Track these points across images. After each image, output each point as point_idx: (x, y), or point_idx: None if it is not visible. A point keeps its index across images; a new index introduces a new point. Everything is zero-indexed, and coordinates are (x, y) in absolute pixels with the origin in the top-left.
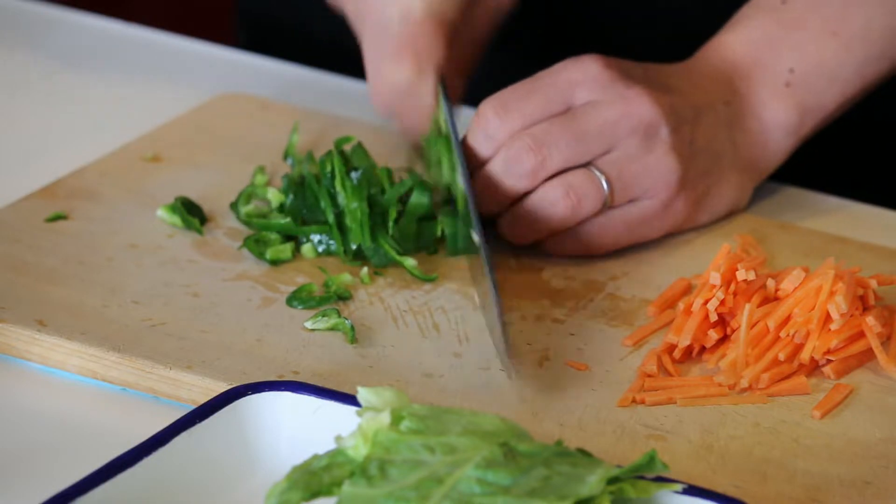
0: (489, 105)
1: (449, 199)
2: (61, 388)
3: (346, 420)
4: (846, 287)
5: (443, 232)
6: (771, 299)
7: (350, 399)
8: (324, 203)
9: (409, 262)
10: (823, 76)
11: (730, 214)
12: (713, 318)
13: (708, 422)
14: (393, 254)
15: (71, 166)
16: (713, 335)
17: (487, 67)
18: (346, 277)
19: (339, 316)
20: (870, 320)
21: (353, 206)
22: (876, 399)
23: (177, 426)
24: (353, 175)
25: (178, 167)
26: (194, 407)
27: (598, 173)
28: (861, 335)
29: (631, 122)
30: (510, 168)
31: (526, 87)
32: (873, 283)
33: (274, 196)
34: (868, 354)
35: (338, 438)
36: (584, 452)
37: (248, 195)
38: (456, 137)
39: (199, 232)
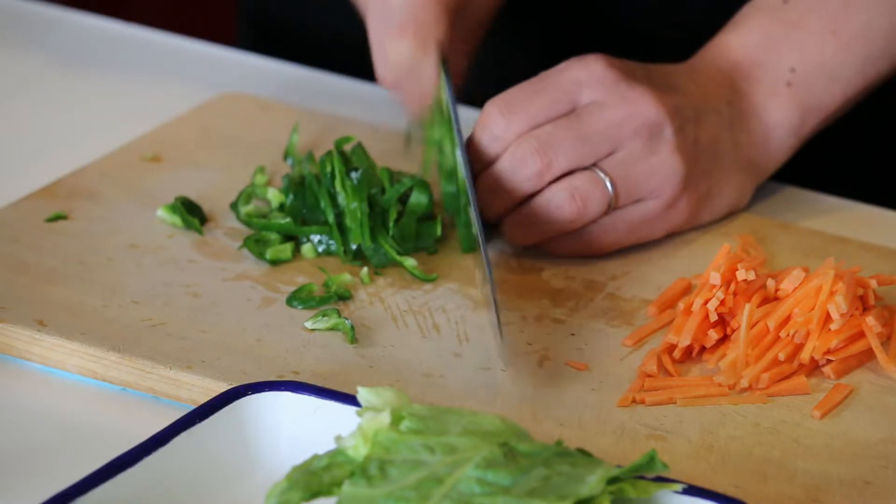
0: (495, 105)
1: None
2: (61, 388)
3: (346, 420)
4: (846, 287)
5: (443, 232)
6: (771, 299)
7: (350, 399)
8: (324, 203)
9: (409, 262)
10: (824, 76)
11: (730, 214)
12: (713, 318)
13: (708, 422)
14: (393, 254)
15: (71, 166)
16: (713, 335)
17: (492, 59)
18: (346, 277)
19: (339, 316)
20: (870, 320)
21: (353, 206)
22: (876, 399)
23: (177, 426)
24: (353, 175)
25: (178, 167)
26: (194, 407)
27: (602, 175)
28: (861, 335)
29: (635, 123)
30: (516, 170)
31: (531, 87)
32: (873, 283)
33: (274, 196)
34: (868, 354)
35: (338, 438)
36: (584, 452)
37: (248, 195)
38: (457, 120)
39: (199, 232)
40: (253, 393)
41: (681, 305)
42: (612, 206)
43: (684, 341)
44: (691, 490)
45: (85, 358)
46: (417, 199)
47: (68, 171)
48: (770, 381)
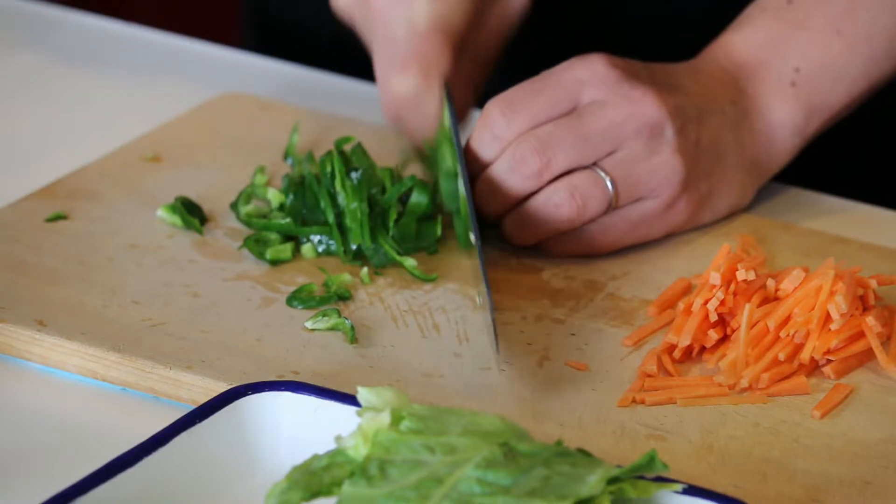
0: (495, 105)
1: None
2: (61, 388)
3: (346, 420)
4: (846, 287)
5: (443, 232)
6: (771, 299)
7: (350, 399)
8: (324, 203)
9: (409, 262)
10: (829, 76)
11: (731, 214)
12: (713, 318)
13: (708, 422)
14: (393, 254)
15: (71, 166)
16: (713, 335)
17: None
18: (346, 277)
19: (339, 316)
20: (870, 320)
21: (353, 206)
22: (876, 399)
23: (177, 426)
24: (353, 175)
25: (178, 167)
26: (194, 407)
27: (602, 174)
28: (861, 335)
29: (636, 123)
30: (515, 169)
31: (532, 86)
32: (873, 283)
33: (274, 196)
34: (868, 354)
35: (338, 438)
36: (584, 452)
37: (248, 195)
38: (459, 147)
39: (199, 232)
40: (253, 393)
41: (681, 305)
42: (612, 206)
43: (684, 341)
44: (691, 490)
45: (85, 358)
46: (417, 199)
47: (68, 171)
48: (770, 381)
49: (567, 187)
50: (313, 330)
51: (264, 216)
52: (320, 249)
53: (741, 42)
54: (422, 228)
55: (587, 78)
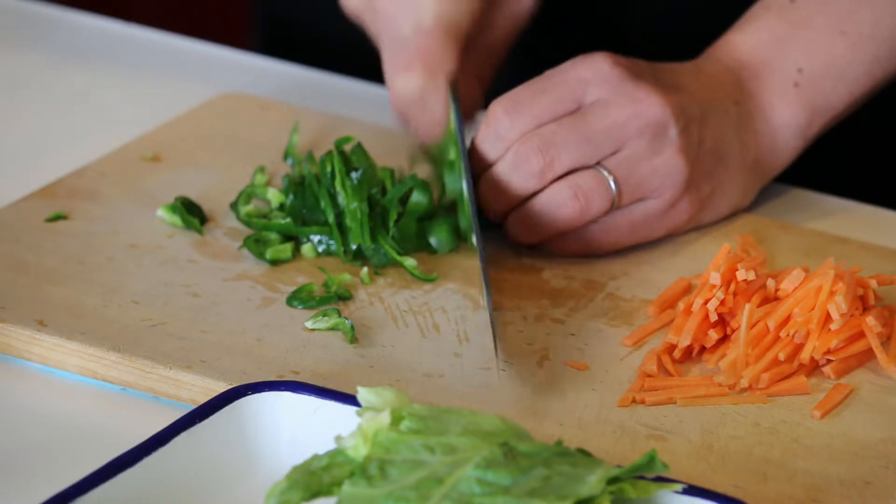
0: (500, 105)
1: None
2: (61, 388)
3: (346, 420)
4: (846, 287)
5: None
6: (771, 299)
7: (350, 399)
8: (324, 203)
9: (409, 262)
10: (832, 76)
11: (732, 214)
12: (713, 318)
13: (708, 422)
14: (393, 254)
15: (71, 166)
16: (713, 335)
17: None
18: (346, 277)
19: (340, 316)
20: (870, 320)
21: (353, 206)
22: (876, 399)
23: (177, 426)
24: (353, 175)
25: (178, 167)
26: (194, 407)
27: (605, 174)
28: (861, 335)
29: (639, 123)
30: (518, 168)
31: (536, 85)
32: (873, 283)
33: (274, 196)
34: (868, 354)
35: (338, 438)
36: (584, 452)
37: (248, 195)
38: (463, 146)
39: (199, 232)
40: (253, 393)
41: (681, 305)
42: (615, 206)
43: (684, 341)
44: (691, 490)
45: (85, 358)
46: (417, 199)
47: (68, 171)
48: (770, 381)
49: (570, 186)
50: (313, 330)
51: (264, 216)
52: (320, 249)
53: (744, 42)
54: (422, 228)
55: (591, 77)
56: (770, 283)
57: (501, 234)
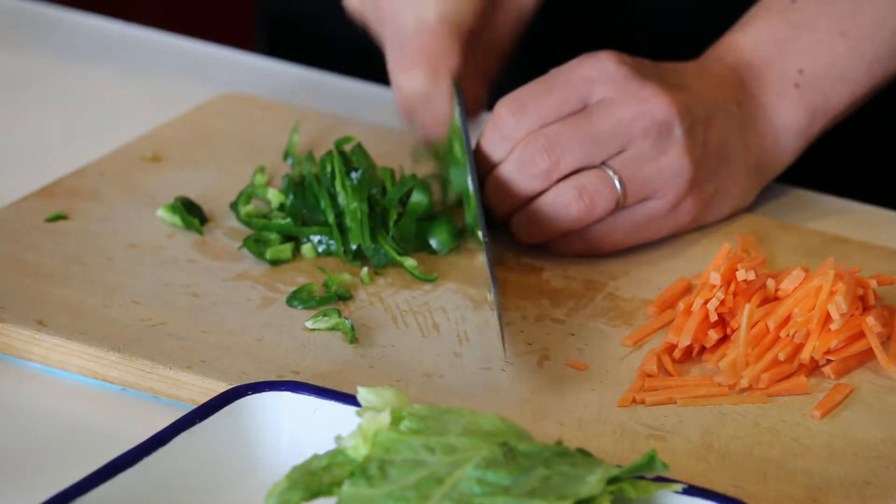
0: (505, 105)
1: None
2: (61, 388)
3: (346, 420)
4: (846, 287)
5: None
6: (771, 299)
7: (350, 399)
8: (324, 203)
9: (409, 262)
10: (833, 77)
11: (734, 215)
12: (713, 318)
13: (708, 422)
14: (393, 254)
15: (71, 166)
16: (713, 335)
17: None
18: (346, 277)
19: (340, 316)
20: (870, 320)
21: (353, 206)
22: (876, 399)
23: (177, 426)
24: (353, 175)
25: (178, 167)
26: (194, 407)
27: (611, 174)
28: (861, 335)
29: (645, 122)
30: (523, 169)
31: (541, 85)
32: (873, 283)
33: (274, 196)
34: (868, 354)
35: (338, 438)
36: (584, 452)
37: (248, 195)
38: (468, 142)
39: (199, 232)
40: (253, 393)
41: (681, 305)
42: (620, 205)
43: (684, 341)
44: (691, 490)
45: (85, 358)
46: (417, 199)
47: (68, 171)
48: (770, 381)
49: (576, 187)
50: (313, 330)
51: (264, 216)
52: (320, 249)
53: (745, 42)
54: (422, 228)
55: (596, 76)
56: (770, 283)
57: (506, 232)
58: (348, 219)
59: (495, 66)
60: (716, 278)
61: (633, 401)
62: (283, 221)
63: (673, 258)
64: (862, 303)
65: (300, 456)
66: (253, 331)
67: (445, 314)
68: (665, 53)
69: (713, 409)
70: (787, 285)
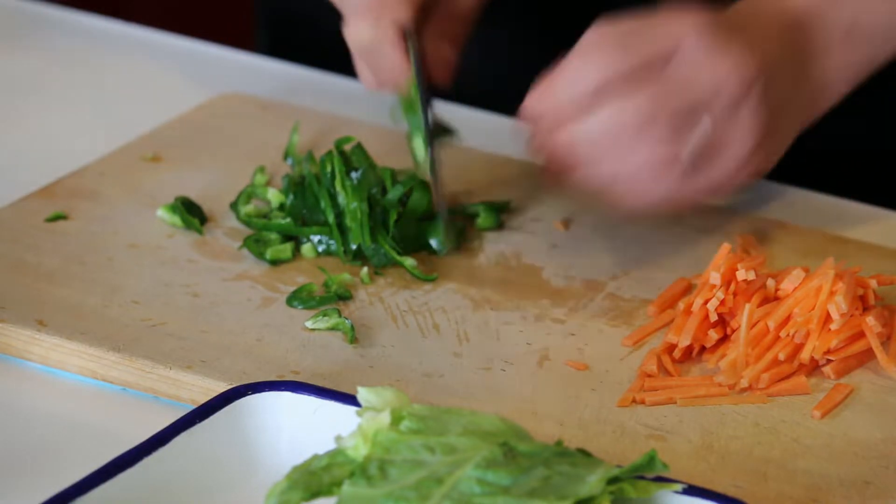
0: (581, 56)
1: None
2: (61, 388)
3: (346, 420)
4: (846, 287)
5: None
6: (771, 299)
7: (350, 399)
8: (324, 203)
9: (409, 262)
10: (885, 26)
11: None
12: (713, 318)
13: (708, 422)
14: (393, 254)
15: (71, 166)
16: (713, 335)
17: (491, 49)
18: (346, 277)
19: (340, 316)
20: (870, 320)
21: (353, 206)
22: (876, 399)
23: (177, 426)
24: (353, 175)
25: (178, 167)
26: (194, 407)
27: (697, 132)
28: (861, 335)
29: (730, 89)
30: (606, 143)
31: (622, 40)
32: (873, 283)
33: (274, 196)
34: (868, 354)
35: (338, 438)
36: (584, 452)
37: (248, 195)
38: (421, 82)
39: (199, 232)
40: (253, 393)
41: (681, 305)
42: (695, 165)
43: (684, 341)
44: (691, 490)
45: (85, 358)
46: (417, 199)
47: (68, 171)
48: (770, 381)
49: (648, 166)
50: (313, 330)
51: (264, 216)
52: (320, 249)
53: None
54: (422, 228)
55: (682, 32)
56: (770, 283)
57: (503, 237)
58: (348, 219)
59: (461, 29)
60: (716, 278)
61: (633, 401)
62: (283, 221)
63: (673, 258)
64: (862, 303)
65: (300, 456)
66: (253, 331)
67: (445, 314)
68: None
69: (713, 409)
70: (787, 285)
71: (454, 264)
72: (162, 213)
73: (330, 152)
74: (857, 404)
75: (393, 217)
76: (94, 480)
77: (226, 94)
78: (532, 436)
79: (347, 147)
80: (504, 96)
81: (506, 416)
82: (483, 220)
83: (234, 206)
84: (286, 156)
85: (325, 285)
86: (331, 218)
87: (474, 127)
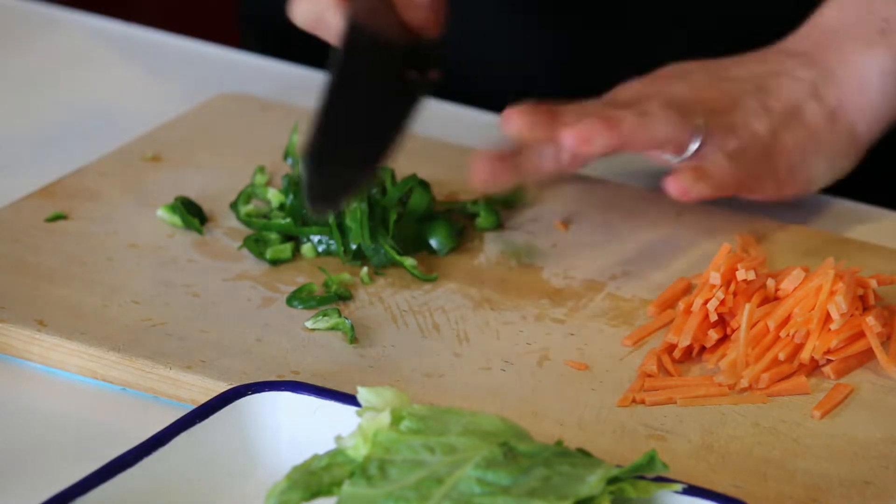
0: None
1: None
2: (61, 388)
3: (346, 420)
4: (846, 287)
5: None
6: (771, 299)
7: (350, 399)
8: None
9: (409, 262)
10: None
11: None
12: (713, 318)
13: (708, 422)
14: (393, 254)
15: (71, 166)
16: (713, 335)
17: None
18: (346, 277)
19: (340, 316)
20: (870, 320)
21: (352, 206)
22: (876, 399)
23: (177, 426)
24: None
25: (178, 167)
26: (194, 407)
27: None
28: (861, 335)
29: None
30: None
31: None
32: (873, 283)
33: (274, 196)
34: (868, 354)
35: (338, 438)
36: (584, 452)
37: (248, 195)
38: (340, 57)
39: (199, 232)
40: (253, 393)
41: (681, 305)
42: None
43: (684, 341)
44: (691, 490)
45: (85, 358)
46: (417, 199)
47: (68, 171)
48: (770, 381)
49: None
50: (313, 330)
51: (264, 216)
52: (320, 249)
53: (830, 12)
54: (422, 229)
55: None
56: (770, 283)
57: (502, 236)
58: (348, 219)
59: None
60: (716, 278)
61: (633, 401)
62: (283, 221)
63: (673, 258)
64: (862, 303)
65: (300, 456)
66: (253, 331)
67: (445, 314)
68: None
69: (713, 409)
70: (787, 285)
71: (454, 264)
72: (162, 213)
73: None
74: (856, 404)
75: (393, 217)
76: (94, 480)
77: (226, 94)
78: (532, 436)
79: None
80: (504, 96)
81: (506, 416)
82: (483, 220)
83: (234, 206)
84: (286, 156)
85: (325, 285)
86: (331, 218)
87: (475, 127)
